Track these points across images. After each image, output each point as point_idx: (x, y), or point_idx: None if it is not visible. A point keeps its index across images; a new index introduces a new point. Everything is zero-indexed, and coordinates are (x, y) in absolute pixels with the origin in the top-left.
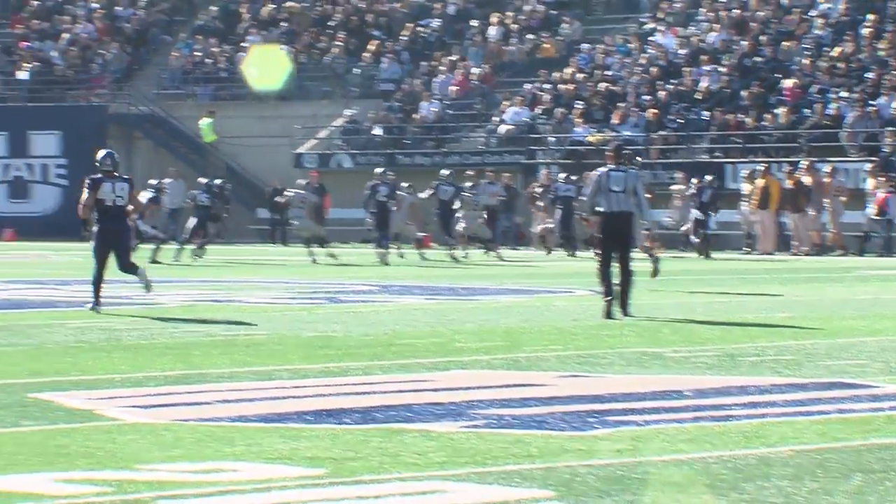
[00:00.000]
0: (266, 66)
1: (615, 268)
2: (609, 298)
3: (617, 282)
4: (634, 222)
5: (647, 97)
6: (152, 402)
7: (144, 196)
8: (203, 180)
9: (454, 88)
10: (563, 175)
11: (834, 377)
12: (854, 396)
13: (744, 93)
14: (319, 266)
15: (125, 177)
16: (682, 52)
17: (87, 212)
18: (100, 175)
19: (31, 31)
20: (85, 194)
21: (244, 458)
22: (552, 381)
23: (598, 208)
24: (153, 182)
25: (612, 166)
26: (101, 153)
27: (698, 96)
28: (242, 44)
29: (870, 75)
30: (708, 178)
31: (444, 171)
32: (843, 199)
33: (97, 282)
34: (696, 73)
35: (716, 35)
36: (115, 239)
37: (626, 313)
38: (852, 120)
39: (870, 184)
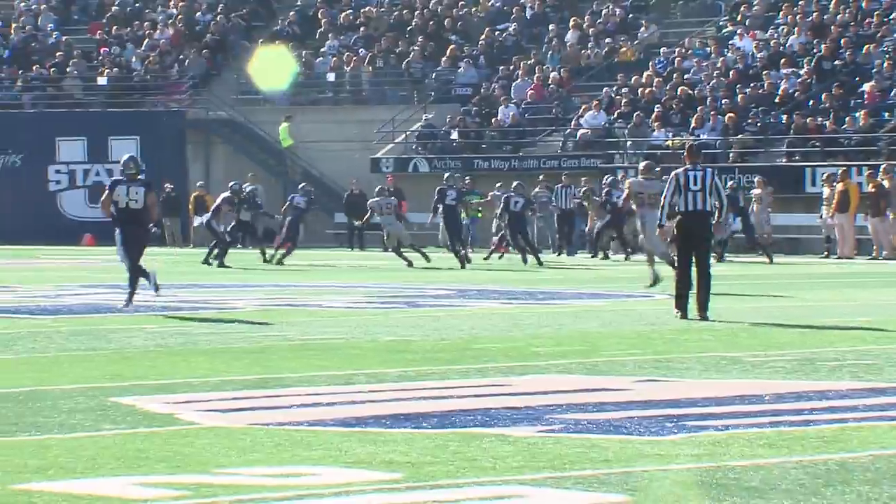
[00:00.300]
0: (272, 66)
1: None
2: (683, 297)
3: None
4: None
5: (725, 101)
6: (230, 406)
7: (220, 197)
8: (301, 184)
9: (531, 92)
10: (514, 185)
11: None
12: None
13: (822, 96)
14: (397, 270)
15: (143, 180)
16: (761, 55)
17: (107, 210)
18: (121, 178)
19: (110, 36)
20: (105, 195)
21: (322, 463)
22: (629, 386)
23: (676, 208)
24: (236, 185)
25: (689, 165)
26: (124, 157)
27: (776, 100)
28: (322, 49)
29: None
30: (730, 183)
31: (515, 183)
32: None
33: (132, 280)
34: (775, 77)
35: (795, 38)
36: (128, 240)
37: (703, 316)
38: None
39: None
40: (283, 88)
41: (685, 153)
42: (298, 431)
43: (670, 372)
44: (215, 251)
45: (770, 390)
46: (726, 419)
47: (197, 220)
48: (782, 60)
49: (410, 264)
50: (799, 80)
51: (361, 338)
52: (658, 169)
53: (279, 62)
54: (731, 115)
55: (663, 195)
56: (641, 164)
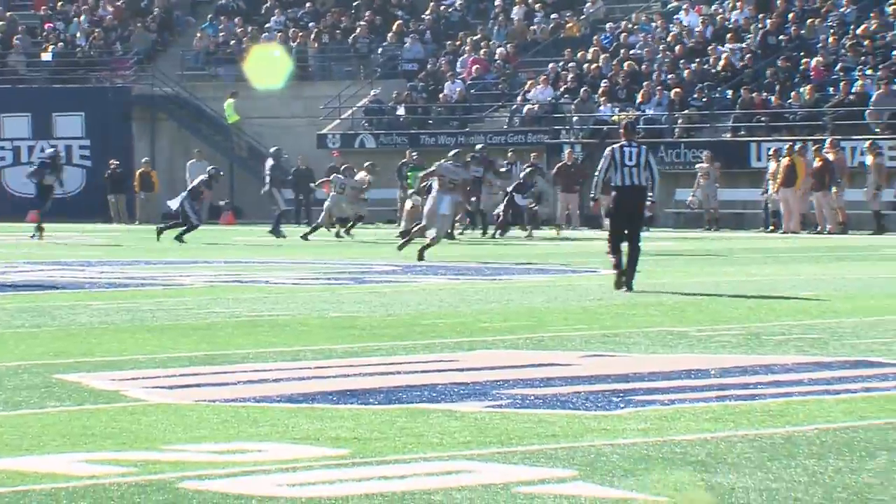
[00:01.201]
0: (266, 65)
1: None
2: (620, 270)
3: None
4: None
5: (671, 76)
6: (177, 383)
7: (198, 179)
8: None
9: (475, 67)
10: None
11: (860, 356)
12: (880, 375)
13: (768, 71)
14: (344, 246)
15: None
16: (707, 30)
17: None
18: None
19: (55, 12)
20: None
21: (269, 439)
22: (577, 361)
23: (611, 183)
24: (214, 170)
25: (625, 142)
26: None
27: (722, 75)
28: (266, 24)
29: (895, 53)
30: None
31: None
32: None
33: None
34: (720, 52)
35: (739, 13)
36: None
37: (629, 288)
38: (877, 98)
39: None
40: (278, 87)
41: (622, 130)
42: (245, 408)
43: (617, 347)
44: (177, 229)
45: (716, 365)
46: (673, 393)
47: (175, 202)
48: (728, 35)
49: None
50: (744, 54)
51: (309, 314)
52: (469, 160)
53: (274, 60)
54: (678, 90)
55: (598, 169)
56: (451, 153)
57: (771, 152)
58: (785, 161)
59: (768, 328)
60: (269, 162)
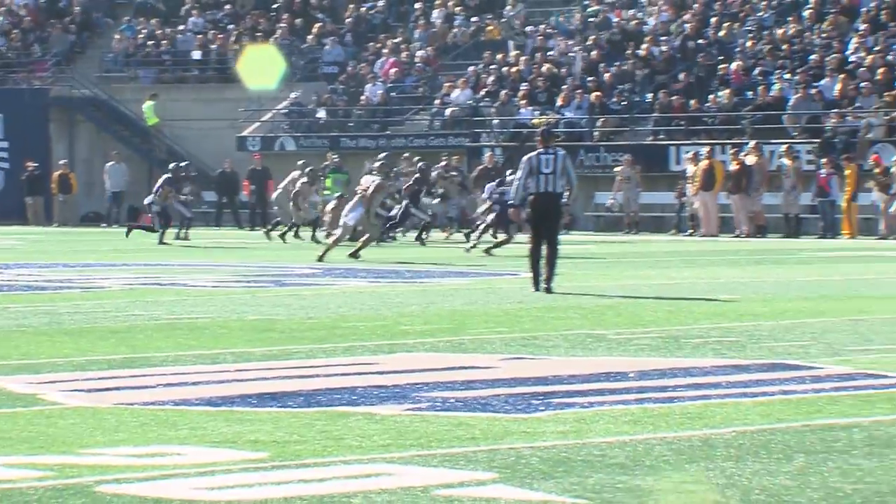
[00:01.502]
0: (261, 65)
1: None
2: (535, 271)
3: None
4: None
5: (590, 79)
6: (95, 387)
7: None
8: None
9: (393, 70)
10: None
11: (777, 358)
12: (796, 378)
13: (681, 75)
14: (264, 249)
15: None
16: (626, 33)
17: None
18: None
19: None
20: None
21: (188, 442)
22: (497, 364)
23: (529, 190)
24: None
25: (542, 149)
26: None
27: (641, 78)
28: (182, 26)
29: (812, 57)
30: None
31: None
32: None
33: None
34: (639, 55)
35: (656, 19)
36: None
37: (548, 289)
38: (795, 102)
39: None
40: (272, 88)
41: (538, 137)
42: (164, 411)
43: (537, 350)
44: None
45: (635, 367)
46: (592, 396)
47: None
48: (647, 38)
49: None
50: (664, 58)
51: (228, 317)
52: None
53: (268, 61)
54: (598, 93)
55: (517, 178)
56: (377, 164)
57: (689, 155)
58: (703, 164)
59: (687, 331)
60: (167, 175)
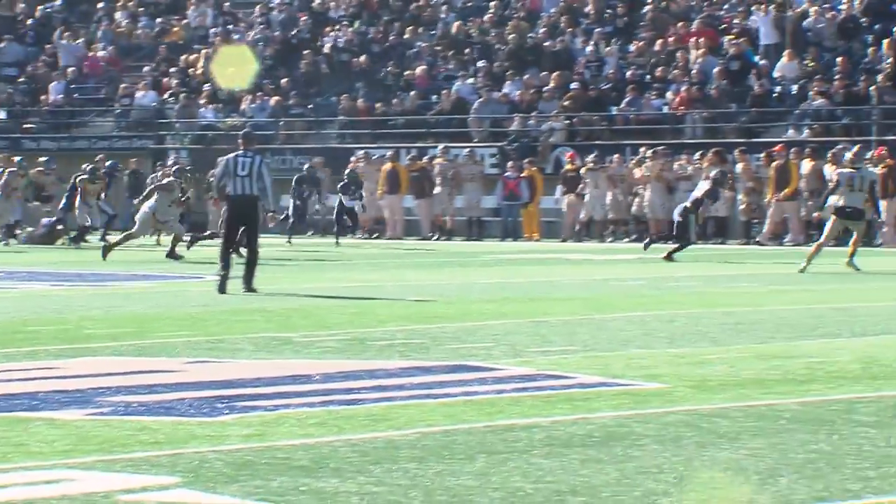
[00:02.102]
0: (233, 65)
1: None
2: (224, 273)
3: (242, 260)
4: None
5: (266, 81)
6: None
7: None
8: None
9: (69, 70)
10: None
11: (460, 360)
12: (479, 379)
13: (360, 83)
14: None
15: None
16: (308, 27)
17: None
18: None
19: None
20: None
21: None
22: (181, 367)
23: (227, 191)
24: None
25: (242, 151)
26: None
27: (326, 79)
28: None
29: (496, 63)
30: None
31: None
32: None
33: None
34: (323, 55)
35: (337, 10)
36: None
37: (249, 289)
38: (478, 106)
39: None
40: (244, 88)
41: (240, 139)
42: None
43: (223, 353)
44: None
45: (320, 370)
46: (277, 399)
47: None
48: (328, 33)
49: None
50: (351, 59)
51: None
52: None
53: (241, 61)
54: (277, 97)
55: (215, 178)
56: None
57: (374, 158)
58: (387, 167)
59: (372, 333)
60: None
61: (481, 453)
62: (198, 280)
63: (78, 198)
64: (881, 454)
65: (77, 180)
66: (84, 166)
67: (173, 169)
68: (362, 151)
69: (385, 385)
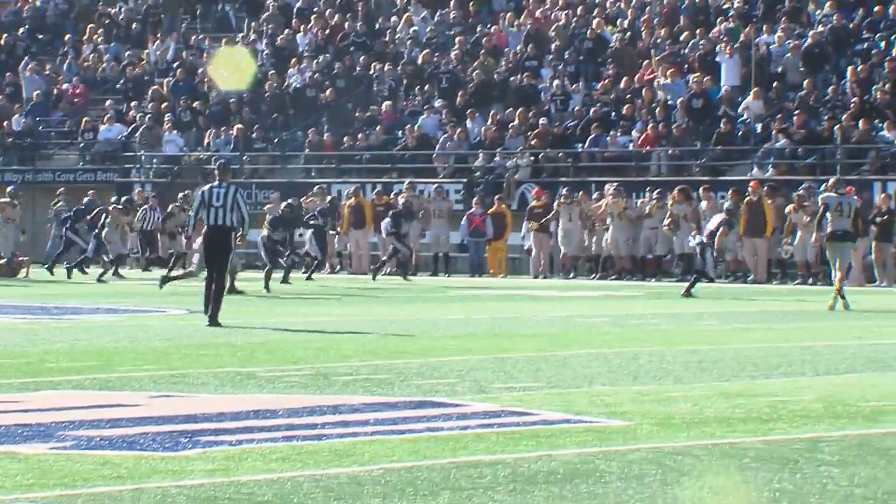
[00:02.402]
0: (232, 67)
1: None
2: (215, 306)
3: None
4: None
5: (229, 113)
6: None
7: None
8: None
9: (39, 101)
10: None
11: (425, 396)
12: (444, 415)
13: (325, 119)
14: None
15: None
16: (275, 61)
17: None
18: None
19: None
20: None
21: None
22: (145, 402)
23: (203, 222)
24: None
25: (217, 182)
26: None
27: (292, 112)
28: None
29: (459, 98)
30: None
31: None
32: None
33: None
34: (290, 86)
35: (304, 41)
36: None
37: (214, 322)
38: (443, 141)
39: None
40: (242, 89)
41: (217, 170)
42: None
43: (186, 387)
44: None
45: (285, 405)
46: (241, 434)
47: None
48: (293, 64)
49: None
50: (317, 94)
51: None
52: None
53: (240, 62)
54: (239, 126)
55: (192, 209)
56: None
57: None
58: (351, 202)
59: (336, 369)
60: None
61: (445, 489)
62: (160, 314)
63: (107, 228)
64: (844, 493)
65: (108, 209)
66: (117, 197)
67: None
68: (317, 187)
69: (349, 420)
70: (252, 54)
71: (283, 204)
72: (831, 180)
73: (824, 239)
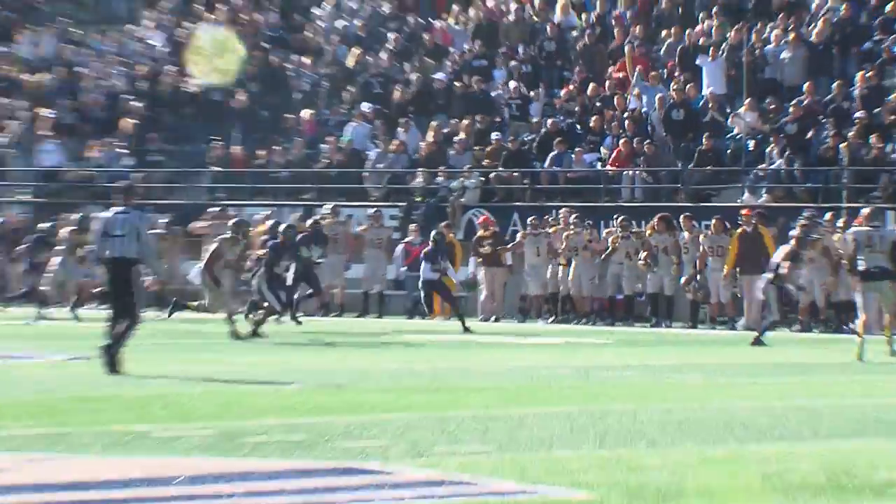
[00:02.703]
0: (214, 54)
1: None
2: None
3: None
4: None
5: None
6: None
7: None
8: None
9: None
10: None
11: (351, 461)
12: (374, 484)
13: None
14: None
15: None
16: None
17: None
18: None
19: None
20: None
21: None
22: (16, 466)
23: (104, 254)
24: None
25: (120, 208)
26: None
27: (195, 120)
28: None
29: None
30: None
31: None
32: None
33: None
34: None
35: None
36: None
37: (112, 369)
38: (376, 158)
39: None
40: (227, 80)
41: (122, 193)
42: None
43: (68, 448)
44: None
45: (184, 471)
46: None
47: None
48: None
49: None
50: (223, 99)
51: None
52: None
53: (224, 48)
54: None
55: (94, 240)
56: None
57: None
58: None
59: (247, 428)
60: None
61: None
62: (41, 361)
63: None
64: None
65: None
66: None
67: (230, 223)
68: (218, 208)
69: (260, 490)
70: (239, 38)
71: (283, 227)
72: (865, 210)
73: (857, 280)
